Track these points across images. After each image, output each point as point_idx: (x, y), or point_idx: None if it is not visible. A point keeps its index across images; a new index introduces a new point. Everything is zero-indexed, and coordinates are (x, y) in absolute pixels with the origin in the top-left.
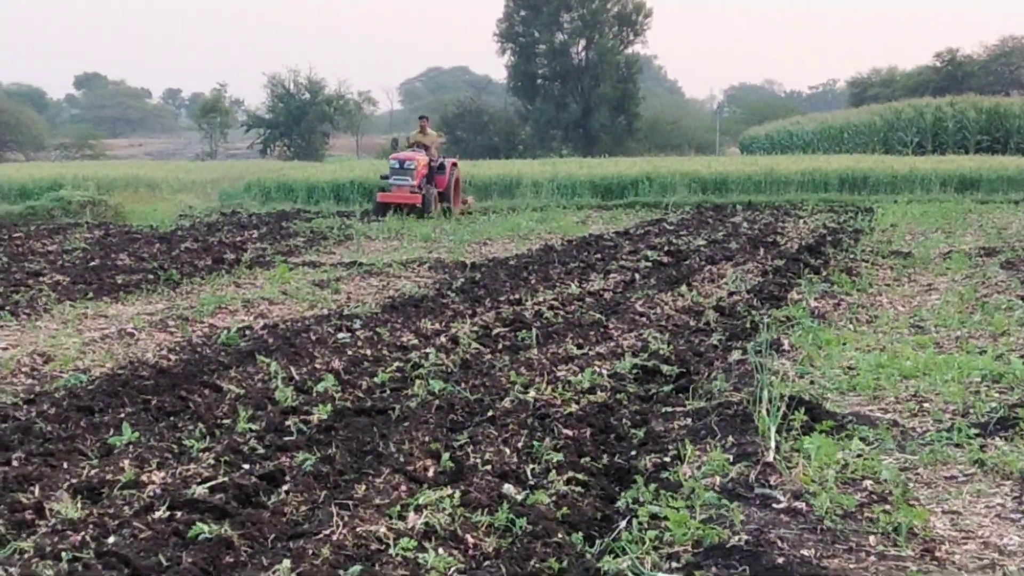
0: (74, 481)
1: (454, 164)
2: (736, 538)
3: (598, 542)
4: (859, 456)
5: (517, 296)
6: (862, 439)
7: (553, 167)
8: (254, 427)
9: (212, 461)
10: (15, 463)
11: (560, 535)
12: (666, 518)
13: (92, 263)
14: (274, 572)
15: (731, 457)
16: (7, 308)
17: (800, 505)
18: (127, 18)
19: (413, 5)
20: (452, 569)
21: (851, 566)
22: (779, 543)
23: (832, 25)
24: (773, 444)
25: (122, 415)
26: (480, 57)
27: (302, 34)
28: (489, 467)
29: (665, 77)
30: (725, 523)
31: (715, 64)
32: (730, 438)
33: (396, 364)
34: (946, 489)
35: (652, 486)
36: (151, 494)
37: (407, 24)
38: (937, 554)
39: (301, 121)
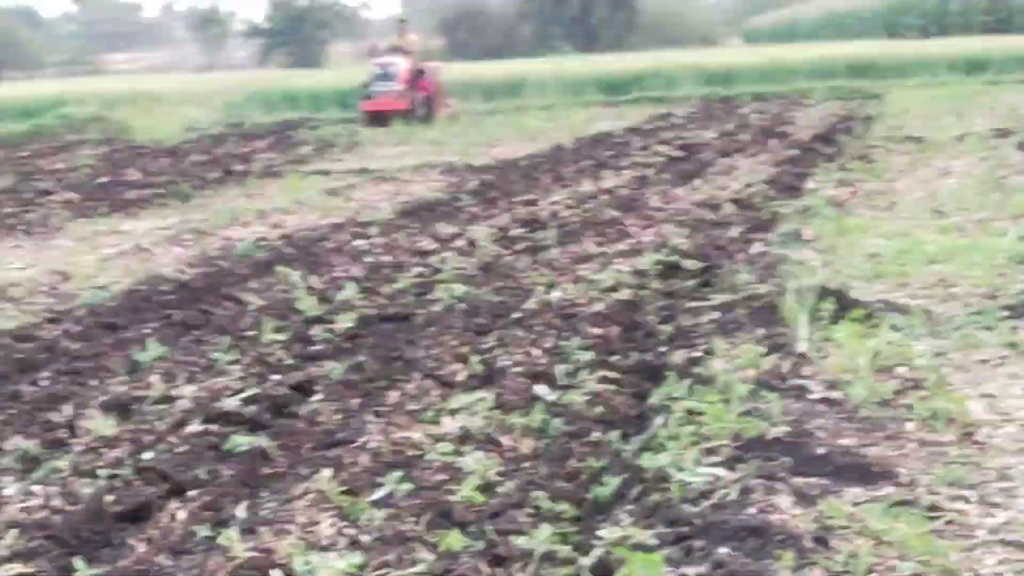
0: (104, 398)
1: (436, 68)
2: (775, 430)
3: (634, 439)
4: (889, 343)
5: (531, 197)
6: (892, 326)
7: (557, 65)
8: (279, 338)
9: (241, 373)
10: (44, 382)
11: (596, 434)
12: (702, 413)
13: (101, 180)
14: (314, 481)
15: (763, 349)
16: (20, 227)
17: (836, 395)
18: None
19: None
20: (491, 471)
21: (891, 453)
22: (818, 433)
23: None
24: (804, 335)
25: (146, 331)
26: None
27: None
28: (519, 369)
29: None
30: (762, 415)
31: None
32: (760, 330)
33: (416, 270)
34: (980, 373)
35: (686, 381)
36: (183, 408)
37: None
38: (976, 438)
39: (300, 29)
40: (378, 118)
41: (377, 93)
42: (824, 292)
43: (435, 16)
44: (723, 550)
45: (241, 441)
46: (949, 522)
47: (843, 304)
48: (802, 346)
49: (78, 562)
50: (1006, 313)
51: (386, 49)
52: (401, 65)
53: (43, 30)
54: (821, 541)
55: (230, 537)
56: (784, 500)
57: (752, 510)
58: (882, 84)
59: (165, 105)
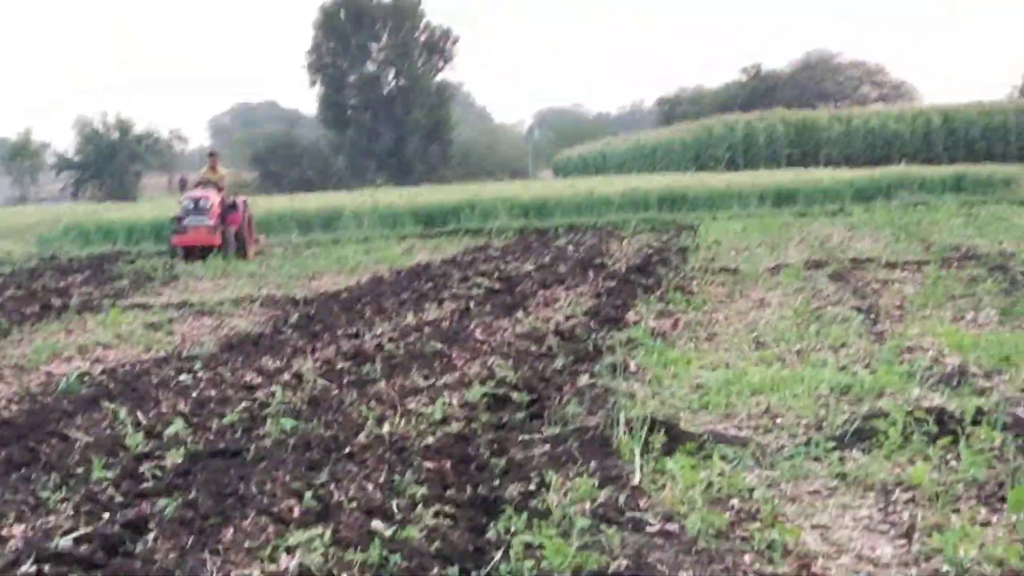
0: None
1: (245, 202)
2: (616, 563)
3: (473, 574)
4: (721, 475)
5: (354, 330)
6: (722, 457)
7: (372, 197)
8: (108, 475)
9: (71, 512)
10: None
11: (435, 570)
12: (541, 546)
13: None
14: None
15: (596, 482)
16: None
17: (673, 527)
18: None
19: (219, 39)
20: None
21: None
22: (658, 567)
23: (635, 46)
24: (638, 467)
25: None
26: (288, 91)
27: (105, 72)
28: (354, 504)
29: (474, 103)
30: (601, 549)
31: (522, 89)
32: (592, 463)
33: (243, 404)
34: (812, 504)
35: (522, 515)
36: (14, 548)
37: (213, 59)
38: (813, 569)
39: (112, 161)
40: (191, 252)
41: (189, 227)
42: (654, 424)
43: (248, 148)
44: None
45: None
46: None
47: (673, 436)
48: (636, 479)
49: None
50: (832, 444)
51: (197, 182)
52: (213, 199)
53: None
54: None
55: None
56: None
57: None
58: (694, 215)
59: None
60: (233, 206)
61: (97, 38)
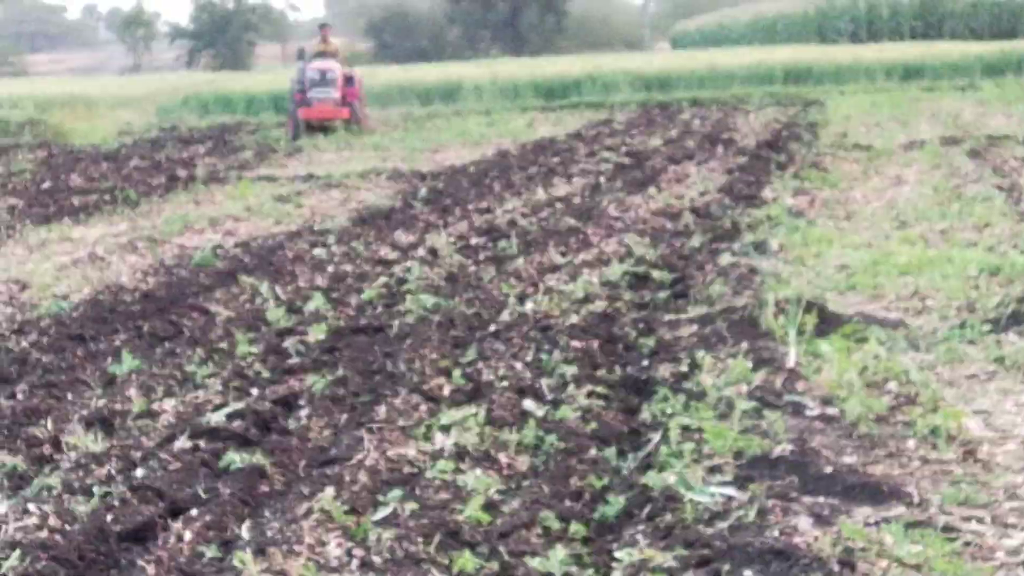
0: (84, 412)
1: (359, 75)
2: (779, 448)
3: (631, 456)
4: (876, 358)
5: (485, 204)
6: (876, 339)
7: (491, 69)
8: (253, 350)
9: (220, 387)
10: (20, 396)
11: (592, 451)
12: (700, 429)
13: (43, 185)
14: (316, 500)
15: (750, 364)
16: None
17: (832, 411)
18: None
19: None
20: (492, 490)
21: (896, 472)
22: (822, 451)
23: None
24: (793, 349)
25: (117, 342)
26: None
27: None
28: (505, 383)
29: None
30: (763, 432)
31: None
32: (743, 344)
33: (381, 279)
34: (971, 388)
35: (677, 397)
36: (167, 423)
37: None
38: (979, 455)
39: (226, 31)
40: (316, 126)
41: (314, 100)
42: (801, 304)
43: (361, 19)
44: (749, 574)
45: (236, 459)
46: (967, 544)
47: (823, 317)
48: (792, 361)
49: None
50: (988, 327)
51: (313, 53)
52: (337, 71)
53: None
54: (847, 565)
55: (243, 559)
56: (803, 522)
57: (774, 532)
58: (819, 90)
59: (99, 108)
60: (350, 79)
61: None
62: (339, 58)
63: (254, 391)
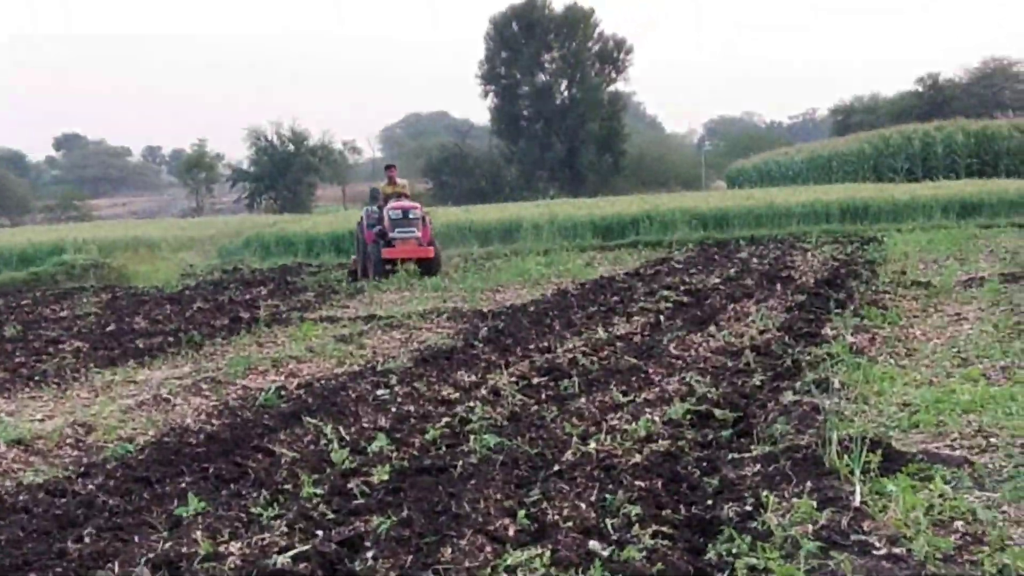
0: (151, 556)
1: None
2: None
3: None
4: (942, 496)
5: (546, 343)
6: (941, 478)
7: (550, 209)
8: (318, 491)
9: (285, 528)
10: (86, 539)
11: None
12: (767, 570)
13: (108, 328)
14: None
15: (815, 503)
16: (35, 377)
17: (899, 550)
18: (103, 77)
19: (390, 51)
20: None
21: None
22: None
23: (808, 54)
24: (859, 488)
25: (182, 484)
26: (458, 101)
27: (276, 85)
28: (569, 523)
29: (645, 113)
30: (829, 573)
31: (693, 98)
32: (808, 483)
33: (444, 419)
34: None
35: (743, 537)
36: (232, 566)
37: (385, 70)
38: None
39: (286, 173)
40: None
41: (399, 240)
42: (865, 442)
43: (419, 159)
44: None
45: None
46: None
47: (887, 455)
48: (857, 500)
49: None
50: None
51: (387, 194)
52: (420, 211)
53: (30, 175)
54: None
55: None
56: None
57: None
58: (876, 227)
59: (161, 251)
60: (423, 219)
61: (265, 51)
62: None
63: (319, 533)
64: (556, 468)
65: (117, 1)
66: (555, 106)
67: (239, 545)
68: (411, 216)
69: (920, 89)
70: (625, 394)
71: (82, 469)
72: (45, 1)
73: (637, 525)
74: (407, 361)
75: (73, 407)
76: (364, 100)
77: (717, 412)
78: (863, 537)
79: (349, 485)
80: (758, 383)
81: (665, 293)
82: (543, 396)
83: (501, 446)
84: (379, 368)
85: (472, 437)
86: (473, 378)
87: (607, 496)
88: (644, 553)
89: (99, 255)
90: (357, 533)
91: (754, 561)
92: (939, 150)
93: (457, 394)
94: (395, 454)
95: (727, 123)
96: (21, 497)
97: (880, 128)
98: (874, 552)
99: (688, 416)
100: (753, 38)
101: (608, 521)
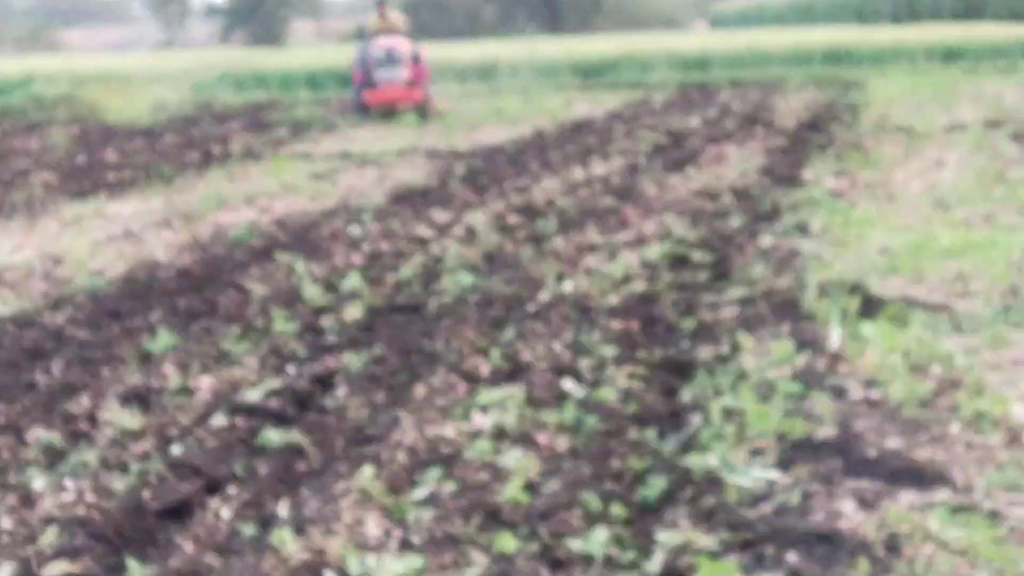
0: (121, 389)
1: (423, 54)
2: (822, 431)
3: (672, 438)
4: (920, 341)
5: (522, 183)
6: (919, 323)
7: (529, 48)
8: (290, 328)
9: (256, 365)
10: (56, 371)
11: (632, 432)
12: (742, 412)
13: (78, 160)
14: (355, 479)
15: (792, 346)
16: (3, 209)
17: (876, 394)
18: None
19: None
20: (532, 471)
21: (941, 456)
22: (865, 435)
23: None
24: (836, 332)
25: (153, 319)
26: None
27: None
28: (544, 363)
29: None
30: (805, 415)
31: None
32: (785, 326)
33: (418, 258)
34: (1016, 373)
35: (720, 378)
36: (203, 400)
37: None
38: None
39: (261, 7)
40: (383, 110)
41: (381, 81)
42: (842, 286)
43: None
44: (793, 557)
45: (273, 436)
46: (1012, 529)
47: (865, 300)
48: (834, 343)
49: (131, 562)
50: None
51: (375, 29)
52: (406, 48)
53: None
54: (892, 549)
55: (282, 538)
56: (847, 505)
57: (818, 516)
58: (859, 71)
59: (134, 84)
60: (417, 58)
61: None
62: (404, 35)
63: (291, 369)
64: (531, 308)
65: None
66: None
67: (209, 380)
68: (396, 55)
69: None
70: (602, 234)
71: (51, 302)
72: None
73: (612, 366)
74: (381, 199)
75: (42, 240)
76: None
77: (695, 254)
78: (839, 381)
79: (322, 322)
80: (736, 226)
81: (644, 134)
82: (519, 236)
83: (475, 286)
84: (353, 206)
85: (446, 276)
86: (448, 217)
87: (582, 337)
88: (619, 394)
89: (70, 87)
90: (329, 370)
91: (729, 402)
92: None
93: (432, 233)
94: (368, 292)
95: None
96: None
97: None
98: (850, 396)
99: (665, 258)
100: None
101: (583, 361)
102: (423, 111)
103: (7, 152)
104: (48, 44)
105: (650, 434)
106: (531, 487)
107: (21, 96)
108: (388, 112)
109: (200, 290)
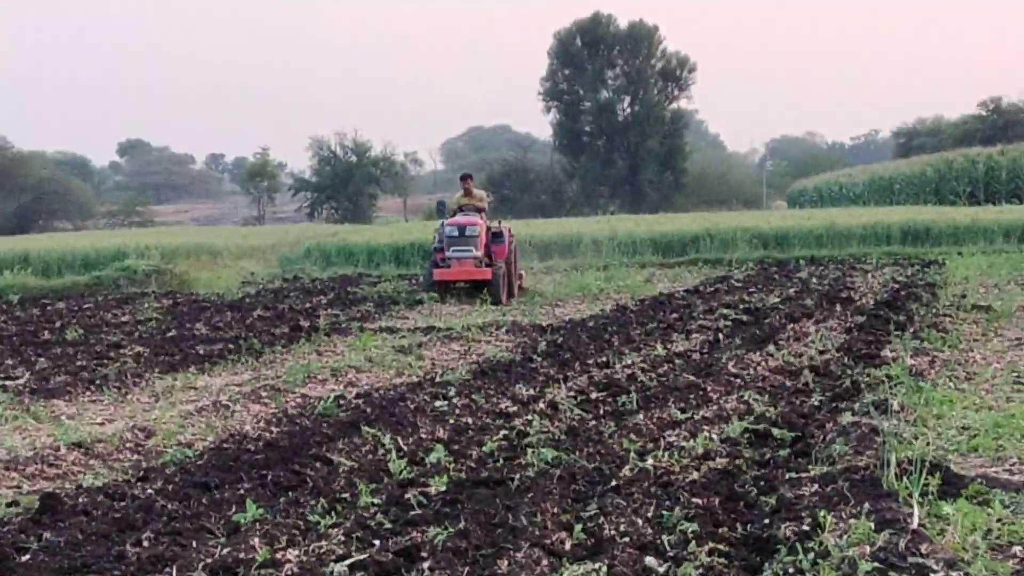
0: (208, 561)
1: (510, 230)
2: None
3: None
4: (1001, 521)
5: (604, 359)
6: (1000, 502)
7: (610, 224)
8: (375, 501)
9: (342, 537)
10: (144, 543)
11: None
12: None
13: (169, 333)
14: None
15: (872, 524)
16: (96, 382)
17: (957, 574)
18: (168, 84)
19: (453, 64)
20: None
21: None
22: None
23: (871, 76)
24: (917, 511)
25: (241, 490)
26: (520, 115)
27: (339, 95)
28: (626, 539)
29: (707, 131)
30: None
31: (755, 117)
32: (866, 504)
33: (502, 432)
34: None
35: (802, 556)
36: (289, 573)
37: (447, 83)
38: None
39: (348, 183)
40: (449, 288)
41: (452, 260)
42: (923, 465)
43: (481, 173)
44: None
45: None
46: None
47: (945, 479)
48: (915, 522)
49: None
50: None
51: (457, 206)
52: (480, 226)
53: (94, 180)
54: None
55: None
56: None
57: None
58: (937, 250)
59: (223, 258)
60: (498, 235)
61: (328, 62)
62: (485, 211)
63: (376, 542)
64: (613, 483)
65: (181, 7)
66: (617, 123)
67: (296, 552)
68: (467, 232)
69: (983, 112)
70: (683, 411)
71: (141, 473)
72: (110, 8)
73: (693, 542)
74: (465, 373)
75: (133, 411)
76: (426, 112)
77: (775, 431)
78: (921, 560)
79: (406, 495)
80: (816, 403)
81: (724, 311)
82: (601, 411)
83: (558, 460)
84: (438, 379)
85: (530, 450)
86: (531, 391)
87: (664, 512)
88: (700, 570)
89: (161, 261)
90: (414, 543)
91: None
92: (1003, 174)
93: (515, 407)
94: (452, 465)
95: (789, 143)
96: (81, 500)
97: (942, 151)
98: (931, 575)
99: (746, 434)
100: (816, 58)
101: (664, 537)
102: (494, 293)
103: (100, 324)
104: (140, 218)
105: None
106: None
107: (114, 269)
108: (471, 288)
109: (287, 462)
